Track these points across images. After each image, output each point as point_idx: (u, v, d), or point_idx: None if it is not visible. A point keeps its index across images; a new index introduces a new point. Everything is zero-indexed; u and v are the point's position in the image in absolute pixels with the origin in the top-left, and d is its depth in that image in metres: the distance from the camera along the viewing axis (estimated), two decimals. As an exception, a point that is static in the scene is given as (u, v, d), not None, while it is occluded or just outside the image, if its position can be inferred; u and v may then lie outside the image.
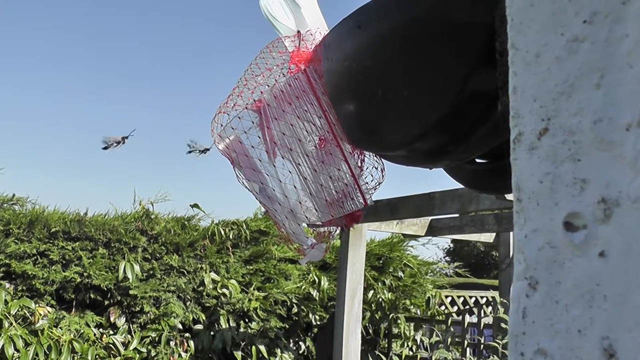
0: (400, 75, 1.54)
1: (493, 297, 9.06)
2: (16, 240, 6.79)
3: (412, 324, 8.57)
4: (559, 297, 0.68)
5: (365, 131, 1.85)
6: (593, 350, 0.65)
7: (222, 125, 2.37)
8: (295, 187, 2.32)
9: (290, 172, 2.31)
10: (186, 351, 6.97)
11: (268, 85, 2.36)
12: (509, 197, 4.48)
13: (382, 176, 2.43)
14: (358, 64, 1.63)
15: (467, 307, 9.99)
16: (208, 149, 3.26)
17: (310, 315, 8.04)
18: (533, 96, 0.74)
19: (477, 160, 1.98)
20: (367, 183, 2.39)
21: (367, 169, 2.42)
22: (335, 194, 2.32)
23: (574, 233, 0.68)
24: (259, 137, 2.31)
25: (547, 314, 0.69)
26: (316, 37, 2.40)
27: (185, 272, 7.44)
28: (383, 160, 2.37)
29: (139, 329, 6.95)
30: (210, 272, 7.51)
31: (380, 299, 8.60)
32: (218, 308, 7.42)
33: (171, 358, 6.82)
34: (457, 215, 7.56)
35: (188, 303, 7.35)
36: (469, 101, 1.43)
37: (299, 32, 2.44)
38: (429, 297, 9.00)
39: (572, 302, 0.67)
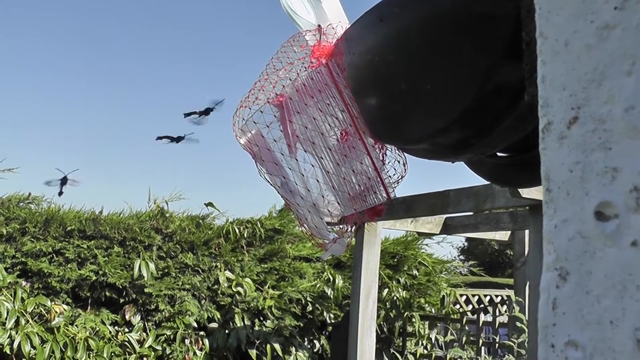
0: (423, 69, 1.53)
1: (508, 296, 9.02)
2: (32, 239, 6.82)
3: (426, 323, 8.55)
4: (590, 288, 0.68)
5: (388, 125, 1.84)
6: (626, 341, 0.64)
7: (244, 119, 2.36)
8: (317, 180, 2.31)
9: (312, 165, 2.30)
10: (201, 349, 6.99)
11: (290, 79, 2.35)
12: (525, 194, 4.46)
13: (405, 170, 2.42)
14: (380, 58, 1.62)
15: (482, 305, 9.96)
16: (182, 138, 3.20)
17: (325, 313, 8.03)
18: (562, 85, 0.73)
19: (499, 154, 1.97)
20: (389, 177, 2.38)
21: (389, 162, 2.41)
22: (358, 188, 2.31)
23: (605, 223, 0.67)
24: (281, 131, 2.30)
25: (577, 305, 0.68)
26: (337, 31, 2.39)
27: (200, 270, 7.46)
28: (405, 154, 2.36)
29: (154, 327, 6.98)
30: (224, 270, 7.52)
31: (395, 298, 8.58)
32: (233, 306, 7.43)
33: (186, 356, 6.83)
34: (471, 213, 7.55)
35: (203, 301, 7.37)
36: (493, 94, 1.42)
37: (319, 26, 2.43)
38: (443, 296, 8.96)
39: (603, 292, 0.66)
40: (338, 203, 2.34)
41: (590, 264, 0.68)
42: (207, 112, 3.19)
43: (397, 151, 2.39)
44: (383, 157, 2.37)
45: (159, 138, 3.15)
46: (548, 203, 0.74)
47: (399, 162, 2.41)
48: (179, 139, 3.12)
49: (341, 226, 2.86)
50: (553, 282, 0.71)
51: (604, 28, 0.69)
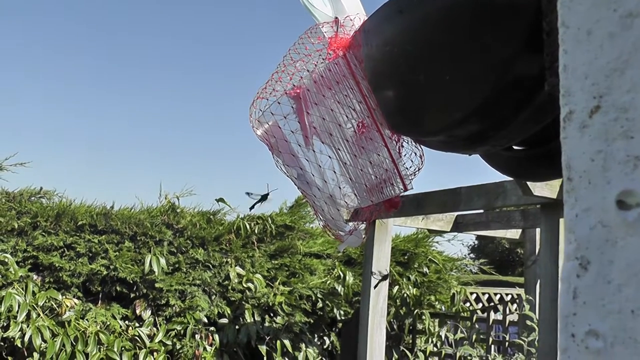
0: (442, 60, 1.52)
1: (518, 295, 9.02)
2: (43, 233, 6.84)
3: (436, 320, 8.54)
4: (611, 277, 0.67)
5: (406, 117, 1.84)
6: (647, 330, 0.64)
7: (261, 110, 2.36)
8: (334, 172, 2.31)
9: (329, 157, 2.30)
10: (211, 345, 6.99)
11: (307, 71, 2.35)
12: (536, 192, 4.45)
13: (422, 162, 2.42)
14: (399, 49, 1.62)
15: (492, 304, 9.95)
16: (267, 195, 3.31)
17: (335, 310, 8.02)
18: (584, 74, 0.73)
19: (515, 147, 1.97)
20: (406, 169, 2.38)
21: (406, 155, 2.40)
22: (374, 180, 2.30)
23: (627, 211, 0.67)
24: (298, 123, 2.29)
25: (598, 294, 0.68)
26: (355, 23, 2.39)
27: (211, 266, 7.46)
28: (422, 146, 2.35)
29: (165, 322, 6.98)
30: (235, 266, 7.52)
31: (405, 295, 8.57)
32: (243, 302, 7.43)
33: (196, 351, 6.83)
34: (482, 211, 7.53)
35: (213, 297, 7.37)
36: (511, 85, 1.42)
37: (336, 18, 2.43)
38: (453, 294, 8.94)
39: (624, 281, 0.66)
40: (355, 195, 2.34)
41: (612, 253, 0.67)
42: (264, 198, 3.34)
43: (414, 143, 2.39)
44: (400, 149, 2.37)
45: (248, 194, 3.28)
46: (569, 192, 0.74)
47: (415, 154, 2.41)
48: (265, 197, 3.26)
49: (355, 222, 2.86)
50: (574, 272, 0.71)
51: (627, 16, 0.69)
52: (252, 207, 3.31)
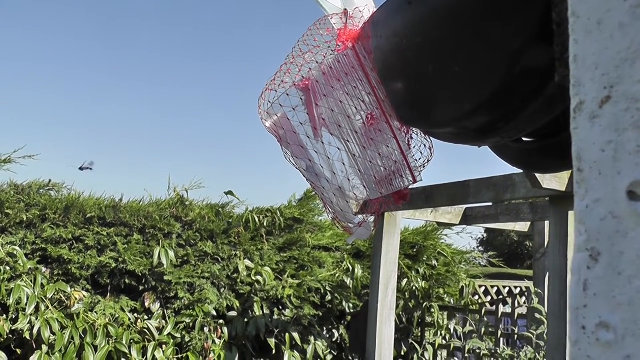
0: (452, 51, 1.52)
1: (527, 288, 9.01)
2: (52, 226, 6.86)
3: (445, 313, 8.53)
4: (622, 269, 0.67)
5: (415, 108, 1.83)
6: (658, 323, 0.63)
7: (269, 102, 2.35)
8: (343, 164, 2.30)
9: (338, 149, 2.29)
10: (220, 337, 6.98)
11: (316, 62, 2.34)
12: (545, 185, 4.44)
13: (431, 154, 2.41)
14: (408, 41, 1.62)
15: (501, 297, 9.94)
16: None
17: (344, 303, 8.02)
18: (595, 64, 0.73)
19: (524, 139, 1.96)
20: (416, 160, 2.37)
21: (415, 147, 2.40)
22: (383, 171, 2.30)
23: (638, 202, 0.66)
24: (307, 114, 2.29)
25: (609, 285, 0.68)
26: (364, 15, 2.38)
27: (220, 259, 7.47)
28: (431, 138, 2.35)
29: (174, 315, 6.99)
30: (244, 259, 7.52)
31: (414, 288, 8.56)
32: (252, 295, 7.43)
33: (205, 344, 6.83)
34: (491, 204, 7.52)
35: (222, 290, 7.38)
36: (521, 76, 1.41)
37: (345, 10, 2.42)
38: (462, 287, 8.93)
39: (635, 273, 0.66)
40: (364, 186, 2.34)
41: (622, 244, 0.67)
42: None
43: (423, 135, 2.38)
44: (409, 141, 2.36)
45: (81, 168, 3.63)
46: (579, 183, 0.73)
47: (425, 146, 2.40)
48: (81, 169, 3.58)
49: (364, 214, 2.85)
50: (584, 263, 0.71)
51: (637, 6, 0.69)
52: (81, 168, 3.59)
